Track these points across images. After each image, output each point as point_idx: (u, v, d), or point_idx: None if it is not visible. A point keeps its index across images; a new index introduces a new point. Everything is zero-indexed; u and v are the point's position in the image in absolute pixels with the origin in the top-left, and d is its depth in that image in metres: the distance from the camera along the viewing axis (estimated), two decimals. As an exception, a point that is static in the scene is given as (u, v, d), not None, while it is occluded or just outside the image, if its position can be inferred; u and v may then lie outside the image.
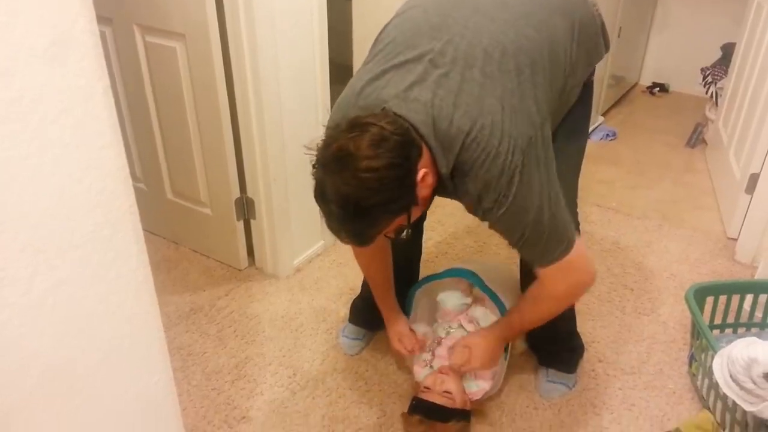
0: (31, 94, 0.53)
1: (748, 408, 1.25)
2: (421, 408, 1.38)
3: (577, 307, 1.61)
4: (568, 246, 1.14)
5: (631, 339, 1.78)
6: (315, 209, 2.12)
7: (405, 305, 1.60)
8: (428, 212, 1.60)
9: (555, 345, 1.63)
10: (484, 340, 1.39)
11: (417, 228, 1.60)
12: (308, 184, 1.95)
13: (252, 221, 1.99)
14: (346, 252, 2.14)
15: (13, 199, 0.51)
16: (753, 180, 2.04)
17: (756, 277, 1.87)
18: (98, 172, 0.63)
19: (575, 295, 1.32)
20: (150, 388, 0.76)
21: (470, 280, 1.56)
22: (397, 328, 1.53)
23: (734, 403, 1.34)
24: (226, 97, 1.76)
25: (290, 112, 1.81)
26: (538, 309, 1.29)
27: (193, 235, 2.10)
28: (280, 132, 1.81)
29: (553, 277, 1.17)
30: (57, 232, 0.56)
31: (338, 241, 2.12)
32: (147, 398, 0.76)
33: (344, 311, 1.82)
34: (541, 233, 1.10)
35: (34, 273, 0.56)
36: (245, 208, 1.96)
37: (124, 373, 0.71)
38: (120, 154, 0.68)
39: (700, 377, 1.56)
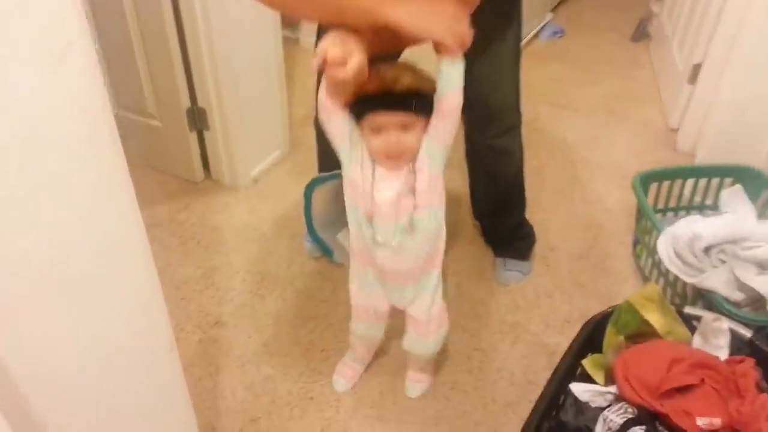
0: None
1: (689, 280, 1.37)
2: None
3: (528, 200, 1.68)
4: None
5: (580, 227, 1.89)
6: (270, 116, 2.11)
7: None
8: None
9: (507, 235, 1.71)
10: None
11: None
12: (261, 89, 1.93)
13: (205, 132, 1.94)
14: (303, 161, 2.13)
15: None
16: (695, 70, 2.11)
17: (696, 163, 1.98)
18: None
19: None
20: (138, 288, 0.78)
21: None
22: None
23: (675, 278, 1.47)
24: (168, -1, 1.66)
25: (240, 15, 1.74)
26: None
27: (143, 150, 2.04)
28: (229, 35, 1.73)
29: None
30: (41, 124, 0.55)
31: (294, 150, 2.14)
32: (136, 299, 0.78)
33: (306, 217, 1.85)
34: None
35: (22, 167, 0.55)
36: (197, 119, 1.91)
37: (113, 272, 0.72)
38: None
39: (643, 258, 1.68)
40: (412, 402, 1.38)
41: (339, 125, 1.04)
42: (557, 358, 1.18)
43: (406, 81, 0.99)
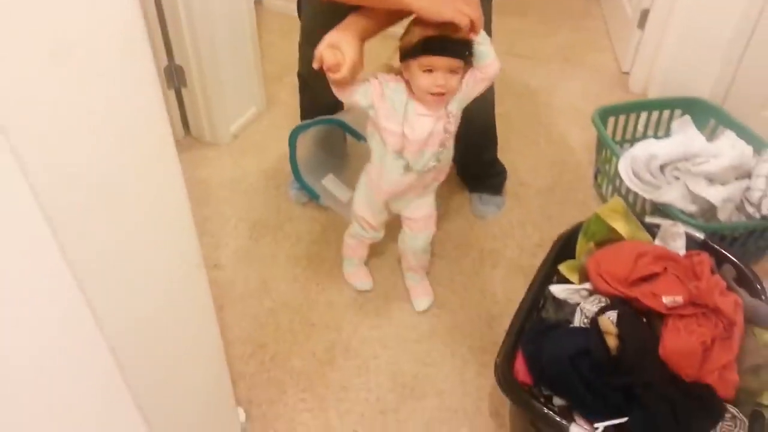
0: None
1: (647, 196, 1.52)
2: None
3: (498, 143, 1.81)
4: None
5: (545, 164, 2.03)
6: (245, 73, 2.15)
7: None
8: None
9: (482, 172, 1.83)
10: None
11: None
12: (235, 46, 1.98)
13: (183, 90, 1.99)
14: (279, 116, 2.20)
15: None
16: (644, 15, 2.26)
17: (647, 101, 2.14)
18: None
19: None
20: (172, 207, 0.86)
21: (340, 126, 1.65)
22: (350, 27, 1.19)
23: (635, 199, 1.62)
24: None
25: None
26: None
27: (121, 112, 2.07)
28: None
29: None
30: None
31: (269, 106, 2.21)
32: (170, 216, 0.86)
33: (288, 168, 1.92)
34: None
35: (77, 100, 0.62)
36: (175, 76, 1.95)
37: (152, 190, 0.80)
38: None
39: (604, 186, 1.83)
40: (406, 321, 1.50)
41: (353, 96, 1.22)
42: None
43: (461, 32, 1.12)
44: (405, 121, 1.20)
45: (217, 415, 1.17)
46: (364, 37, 1.21)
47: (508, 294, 1.59)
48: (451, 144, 1.28)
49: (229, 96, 2.03)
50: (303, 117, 1.76)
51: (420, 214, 1.40)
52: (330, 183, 1.83)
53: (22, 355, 0.64)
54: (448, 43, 1.12)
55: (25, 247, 0.61)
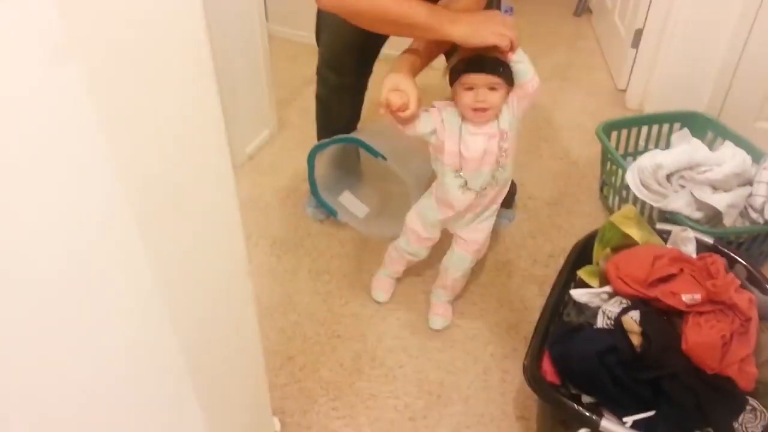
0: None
1: (655, 205, 1.59)
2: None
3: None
4: None
5: (551, 178, 2.10)
6: (258, 97, 2.22)
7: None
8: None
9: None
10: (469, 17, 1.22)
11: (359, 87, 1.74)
12: (250, 72, 2.05)
13: (199, 114, 2.05)
14: (290, 137, 2.27)
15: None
16: (638, 35, 2.36)
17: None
18: None
19: None
20: (224, 213, 0.91)
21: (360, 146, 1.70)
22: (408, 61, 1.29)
23: (642, 207, 1.69)
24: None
25: (230, 6, 1.86)
26: None
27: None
28: (222, 25, 1.85)
29: None
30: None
31: (281, 128, 2.28)
32: (223, 223, 0.91)
33: (305, 186, 1.98)
34: None
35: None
36: (192, 102, 2.01)
37: (205, 196, 0.85)
38: None
39: (611, 198, 1.90)
40: (428, 331, 1.55)
41: (417, 128, 1.29)
42: (547, 287, 1.37)
43: (494, 52, 1.21)
44: (461, 142, 1.28)
45: (258, 424, 1.21)
46: (415, 73, 1.31)
47: (524, 302, 1.65)
48: (507, 163, 1.34)
49: (245, 119, 2.10)
50: (320, 136, 1.83)
51: (475, 237, 1.45)
52: (346, 200, 1.89)
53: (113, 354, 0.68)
54: (485, 61, 1.20)
55: (115, 245, 0.66)
